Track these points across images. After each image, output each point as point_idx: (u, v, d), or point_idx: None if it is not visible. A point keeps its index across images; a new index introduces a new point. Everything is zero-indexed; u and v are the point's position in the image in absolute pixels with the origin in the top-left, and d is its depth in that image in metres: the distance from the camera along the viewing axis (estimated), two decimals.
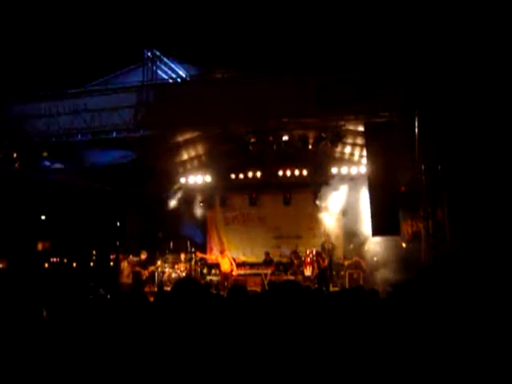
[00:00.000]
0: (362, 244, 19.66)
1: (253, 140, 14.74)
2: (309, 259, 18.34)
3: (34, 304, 4.28)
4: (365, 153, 15.04)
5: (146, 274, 18.63)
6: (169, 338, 3.34)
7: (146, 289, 17.80)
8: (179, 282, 4.04)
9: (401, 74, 11.69)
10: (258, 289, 17.48)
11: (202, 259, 20.57)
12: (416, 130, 12.26)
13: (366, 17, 9.69)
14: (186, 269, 19.30)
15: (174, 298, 3.61)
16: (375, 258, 18.46)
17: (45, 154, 15.25)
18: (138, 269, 18.34)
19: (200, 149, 19.42)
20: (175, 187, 21.63)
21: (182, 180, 21.42)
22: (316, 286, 17.12)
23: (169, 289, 14.02)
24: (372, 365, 2.36)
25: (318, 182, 20.42)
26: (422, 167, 12.49)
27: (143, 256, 18.72)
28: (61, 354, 3.50)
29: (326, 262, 17.82)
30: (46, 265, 31.72)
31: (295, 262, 19.16)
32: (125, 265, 18.23)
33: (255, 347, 2.99)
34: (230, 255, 20.17)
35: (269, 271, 19.32)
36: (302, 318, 2.93)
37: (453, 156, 11.80)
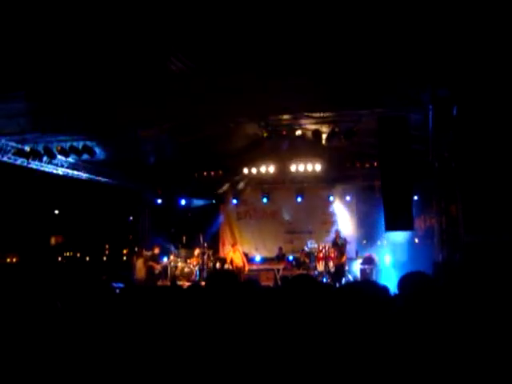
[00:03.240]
0: (374, 239, 19.71)
1: (266, 134, 14.68)
2: (321, 254, 18.33)
3: (48, 297, 4.29)
4: (378, 147, 14.99)
5: (158, 268, 18.69)
6: (189, 331, 3.34)
7: (159, 283, 17.86)
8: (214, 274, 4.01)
9: (415, 68, 11.63)
10: (271, 283, 17.51)
11: (214, 254, 20.65)
12: (430, 124, 12.19)
13: (379, 10, 9.65)
14: (198, 263, 19.36)
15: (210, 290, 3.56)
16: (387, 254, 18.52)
17: (58, 148, 15.28)
18: (150, 263, 18.39)
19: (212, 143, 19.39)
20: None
21: (196, 174, 21.36)
22: (330, 280, 17.17)
23: (181, 283, 14.10)
24: (383, 360, 2.34)
25: (331, 177, 20.42)
26: (436, 162, 12.43)
27: (156, 251, 18.78)
28: (76, 347, 3.51)
29: (344, 258, 17.83)
30: (60, 259, 31.93)
31: (306, 260, 19.09)
32: (139, 260, 18.35)
33: (270, 340, 2.98)
34: (242, 250, 20.23)
35: (281, 266, 19.34)
36: (315, 311, 2.92)
37: (467, 151, 11.73)
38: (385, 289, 2.41)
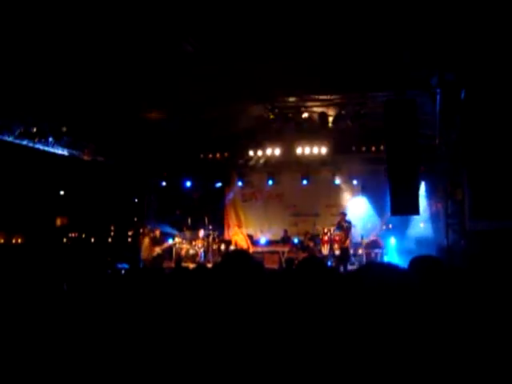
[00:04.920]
0: (380, 223, 19.68)
1: (272, 117, 14.62)
2: (326, 238, 18.27)
3: (54, 278, 4.28)
4: (384, 131, 14.91)
5: (157, 250, 18.41)
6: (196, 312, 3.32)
7: (164, 265, 17.81)
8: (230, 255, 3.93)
9: (423, 51, 11.52)
10: (276, 266, 17.49)
11: (219, 236, 20.62)
12: (438, 108, 12.11)
13: None
14: (203, 245, 19.34)
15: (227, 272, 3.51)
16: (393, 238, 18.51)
17: (64, 129, 15.25)
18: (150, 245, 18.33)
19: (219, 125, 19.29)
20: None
21: (201, 156, 21.26)
22: (334, 264, 17.12)
23: (186, 265, 14.03)
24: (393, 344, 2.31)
25: (337, 160, 20.35)
26: (443, 147, 12.37)
27: (157, 233, 18.72)
28: (82, 329, 3.50)
29: (347, 242, 17.73)
30: (65, 240, 31.99)
31: (310, 244, 19.06)
32: (145, 239, 18.31)
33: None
34: (246, 232, 20.25)
35: (286, 249, 19.33)
36: (333, 296, 2.89)
37: (475, 135, 11.65)
38: (406, 273, 2.33)
